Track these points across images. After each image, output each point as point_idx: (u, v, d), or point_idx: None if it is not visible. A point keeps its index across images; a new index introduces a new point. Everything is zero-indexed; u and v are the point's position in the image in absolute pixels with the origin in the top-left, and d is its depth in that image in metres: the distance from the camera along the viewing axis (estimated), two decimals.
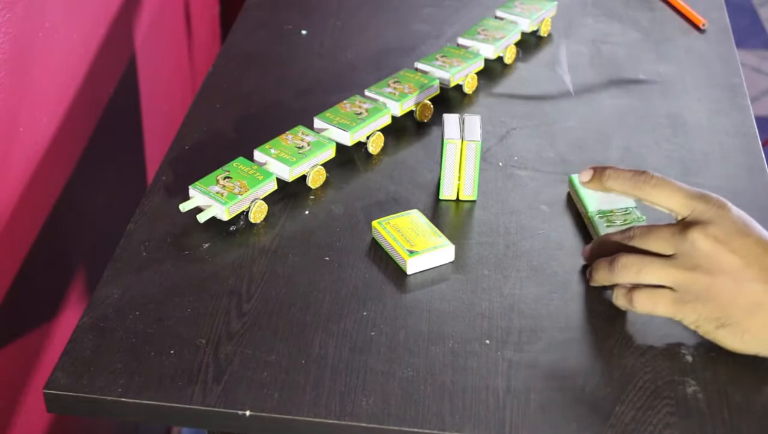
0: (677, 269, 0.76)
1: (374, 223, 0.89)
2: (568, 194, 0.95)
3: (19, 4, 1.08)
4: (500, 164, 0.99)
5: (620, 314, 0.81)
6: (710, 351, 0.78)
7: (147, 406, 0.74)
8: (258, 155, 0.95)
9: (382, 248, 0.88)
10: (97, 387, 0.74)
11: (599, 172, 0.83)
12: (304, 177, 0.95)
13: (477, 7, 1.28)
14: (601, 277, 0.81)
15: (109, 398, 0.74)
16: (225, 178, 0.91)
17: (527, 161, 1.00)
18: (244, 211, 0.90)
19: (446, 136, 0.92)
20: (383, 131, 1.01)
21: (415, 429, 0.72)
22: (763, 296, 0.74)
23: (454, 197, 0.94)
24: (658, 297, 0.77)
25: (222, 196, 0.89)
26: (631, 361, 0.77)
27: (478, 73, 1.12)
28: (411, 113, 1.05)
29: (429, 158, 1.00)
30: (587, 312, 0.82)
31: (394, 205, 0.93)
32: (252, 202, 0.90)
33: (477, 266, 0.86)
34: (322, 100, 1.06)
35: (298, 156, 0.94)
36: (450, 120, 0.94)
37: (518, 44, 1.18)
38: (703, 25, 1.24)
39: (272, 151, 0.95)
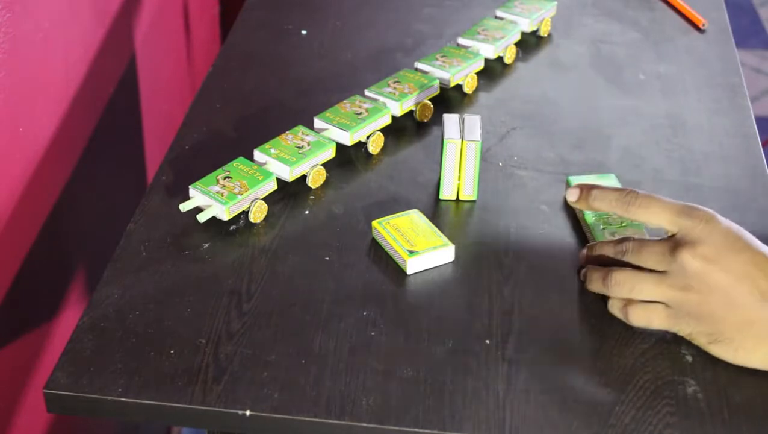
0: (669, 288, 0.76)
1: (374, 223, 0.89)
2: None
3: (19, 3, 1.08)
4: (500, 164, 0.99)
5: None
6: None
7: (147, 406, 0.73)
8: (258, 155, 0.95)
9: (382, 248, 0.88)
10: (97, 387, 0.74)
11: (585, 192, 0.82)
12: (304, 177, 0.95)
13: (477, 7, 1.28)
14: (596, 287, 0.81)
15: (109, 398, 0.74)
16: (225, 178, 0.91)
17: (527, 161, 1.00)
18: (244, 211, 0.90)
19: (446, 136, 0.92)
20: (383, 131, 1.01)
21: (415, 429, 0.72)
22: (755, 313, 0.74)
23: (454, 197, 0.94)
24: (652, 312, 0.78)
25: (222, 196, 0.89)
26: (631, 361, 0.77)
27: (478, 73, 1.12)
28: (411, 113, 1.05)
29: (429, 158, 1.00)
30: (587, 312, 0.82)
31: (394, 205, 0.93)
32: (252, 202, 0.90)
33: (477, 266, 0.86)
34: (322, 100, 1.06)
35: (298, 156, 0.94)
36: (450, 120, 0.94)
37: (518, 44, 1.18)
38: (703, 25, 1.24)
39: (272, 151, 0.95)
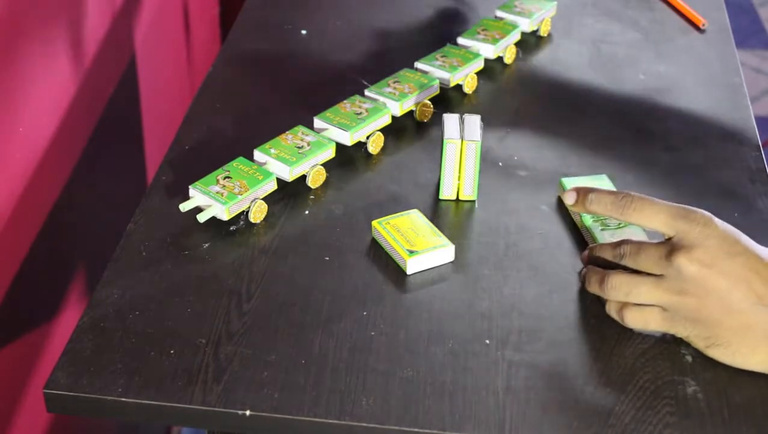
0: (665, 292, 0.76)
1: (374, 223, 0.89)
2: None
3: (19, 3, 1.08)
4: (500, 164, 0.99)
5: None
6: None
7: (147, 406, 0.73)
8: (258, 155, 0.95)
9: (382, 248, 0.88)
10: (97, 387, 0.74)
11: (582, 195, 0.82)
12: (304, 177, 0.95)
13: (477, 7, 1.28)
14: (593, 289, 0.81)
15: (109, 398, 0.74)
16: (225, 178, 0.91)
17: (527, 161, 1.00)
18: (244, 211, 0.90)
19: (446, 136, 0.92)
20: (383, 131, 1.01)
21: (415, 429, 0.72)
22: (752, 317, 0.74)
23: (454, 197, 0.94)
24: (648, 315, 0.77)
25: (222, 196, 0.89)
26: (631, 361, 0.77)
27: (478, 73, 1.12)
28: (411, 113, 1.05)
29: (429, 158, 1.00)
30: (587, 312, 0.82)
31: (394, 205, 0.93)
32: (252, 202, 0.90)
33: (477, 266, 0.86)
34: (322, 100, 1.06)
35: (298, 156, 0.94)
36: (450, 120, 0.94)
37: (518, 44, 1.18)
38: (703, 25, 1.24)
39: (272, 151, 0.95)
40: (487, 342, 0.79)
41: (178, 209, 0.90)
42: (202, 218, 0.88)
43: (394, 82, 1.05)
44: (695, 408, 0.74)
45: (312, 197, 0.94)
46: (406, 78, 1.06)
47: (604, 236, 0.86)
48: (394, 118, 1.03)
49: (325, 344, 0.78)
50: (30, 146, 1.14)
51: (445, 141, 0.92)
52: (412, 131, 1.04)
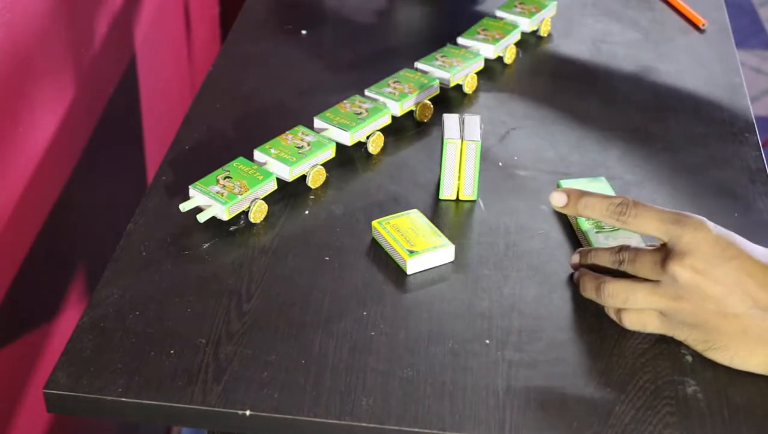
0: (661, 298, 0.76)
1: (374, 223, 0.89)
2: None
3: (20, 4, 1.08)
4: (500, 164, 0.99)
5: None
6: None
7: (147, 406, 0.74)
8: (258, 155, 0.95)
9: (382, 248, 0.88)
10: (97, 387, 0.74)
11: (574, 198, 0.81)
12: (304, 177, 0.95)
13: (477, 7, 1.28)
14: (590, 296, 0.81)
15: (109, 398, 0.74)
16: (225, 178, 0.91)
17: (527, 161, 1.00)
18: (244, 211, 0.90)
19: (446, 136, 0.92)
20: (383, 131, 1.01)
21: (415, 429, 0.72)
22: (748, 321, 0.74)
23: (454, 197, 0.94)
24: (646, 319, 0.78)
25: (222, 196, 0.89)
26: (631, 361, 0.77)
27: (478, 73, 1.12)
28: (411, 112, 1.05)
29: (429, 158, 1.00)
30: (587, 312, 0.82)
31: (394, 205, 0.93)
32: (252, 202, 0.90)
33: (477, 266, 0.86)
34: (322, 100, 1.06)
35: (298, 156, 0.94)
36: (450, 120, 0.94)
37: (518, 44, 1.18)
38: (703, 25, 1.24)
39: (272, 151, 0.95)
40: (487, 342, 0.79)
41: (178, 209, 0.90)
42: (202, 218, 0.88)
43: (394, 82, 1.05)
44: (695, 408, 0.74)
45: (312, 197, 0.94)
46: (406, 78, 1.06)
47: (599, 239, 0.86)
48: (394, 118, 1.03)
49: (325, 344, 0.78)
50: (30, 145, 1.14)
51: (445, 141, 0.92)
52: (412, 131, 1.04)
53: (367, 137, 1.00)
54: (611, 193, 0.93)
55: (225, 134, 1.04)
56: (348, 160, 0.99)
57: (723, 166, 0.99)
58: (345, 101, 1.02)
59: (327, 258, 0.87)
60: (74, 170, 1.28)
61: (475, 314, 0.81)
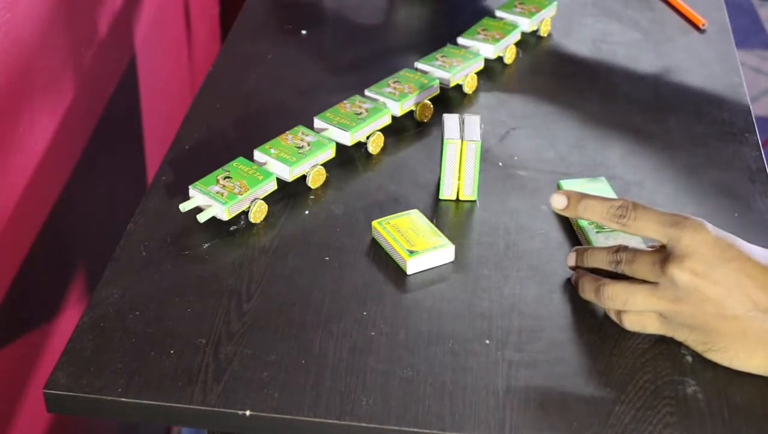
0: (660, 300, 0.76)
1: (374, 223, 0.89)
2: None
3: (20, 4, 1.08)
4: (500, 164, 0.99)
5: None
6: None
7: (147, 406, 0.74)
8: (258, 155, 0.95)
9: (382, 248, 0.88)
10: (97, 387, 0.74)
11: (574, 201, 0.81)
12: (304, 177, 0.95)
13: (477, 7, 1.28)
14: (588, 297, 0.81)
15: (109, 398, 0.74)
16: (225, 178, 0.91)
17: (527, 161, 1.00)
18: (244, 211, 0.90)
19: (446, 136, 0.92)
20: (383, 131, 1.01)
21: (415, 429, 0.72)
22: (748, 323, 0.74)
23: (454, 197, 0.94)
24: (646, 320, 0.78)
25: (222, 196, 0.89)
26: (631, 361, 0.77)
27: (478, 73, 1.12)
28: (411, 112, 1.05)
29: (429, 158, 1.00)
30: (587, 312, 0.82)
31: (394, 205, 0.93)
32: (252, 202, 0.90)
33: (477, 266, 0.86)
34: (322, 100, 1.06)
35: (298, 156, 0.94)
36: (450, 120, 0.94)
37: (518, 44, 1.18)
38: (703, 25, 1.24)
39: (272, 151, 0.95)
40: (487, 342, 0.79)
41: (178, 209, 0.90)
42: (202, 218, 0.88)
43: (394, 82, 1.05)
44: (695, 408, 0.74)
45: (312, 197, 0.94)
46: (406, 78, 1.06)
47: (599, 239, 0.86)
48: (394, 118, 1.03)
49: (325, 344, 0.78)
50: (30, 146, 1.14)
51: (445, 141, 0.92)
52: (412, 131, 1.04)
53: (367, 137, 1.00)
54: (611, 193, 0.93)
55: (225, 134, 1.04)
56: (348, 160, 0.99)
57: (723, 166, 0.99)
58: (345, 101, 1.02)
59: (327, 258, 0.87)
60: (74, 170, 1.28)
61: (475, 314, 0.81)
